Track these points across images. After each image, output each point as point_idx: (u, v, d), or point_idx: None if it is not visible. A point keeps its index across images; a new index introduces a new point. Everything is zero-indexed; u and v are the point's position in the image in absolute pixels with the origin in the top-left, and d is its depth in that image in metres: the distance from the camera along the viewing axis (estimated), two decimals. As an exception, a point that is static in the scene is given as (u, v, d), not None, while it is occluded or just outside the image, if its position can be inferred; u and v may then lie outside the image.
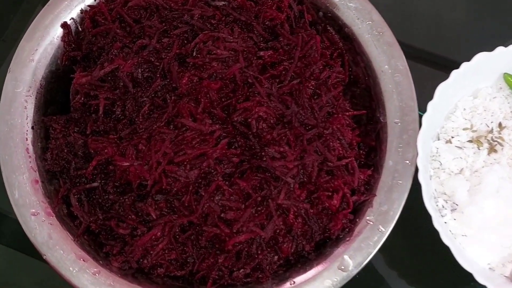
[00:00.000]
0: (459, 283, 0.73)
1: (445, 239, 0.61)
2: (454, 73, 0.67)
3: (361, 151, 0.70)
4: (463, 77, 0.68)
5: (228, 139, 0.62)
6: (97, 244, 0.63)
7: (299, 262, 0.63)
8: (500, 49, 0.69)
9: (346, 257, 0.60)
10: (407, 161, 0.65)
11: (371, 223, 0.62)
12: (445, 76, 0.67)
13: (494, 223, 0.65)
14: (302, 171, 0.63)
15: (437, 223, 0.61)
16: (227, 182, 0.61)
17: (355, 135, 0.70)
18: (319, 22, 0.75)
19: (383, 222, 0.62)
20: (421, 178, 0.63)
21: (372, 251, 0.61)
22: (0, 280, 0.73)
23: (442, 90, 0.67)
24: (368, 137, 0.71)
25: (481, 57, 0.68)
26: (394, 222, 0.62)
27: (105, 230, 0.63)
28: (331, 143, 0.65)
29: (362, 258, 0.60)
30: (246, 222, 0.59)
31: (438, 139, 0.71)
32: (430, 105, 0.66)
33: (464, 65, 0.68)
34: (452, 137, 0.70)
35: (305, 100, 0.66)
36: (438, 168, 0.69)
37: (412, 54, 0.77)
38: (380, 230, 0.62)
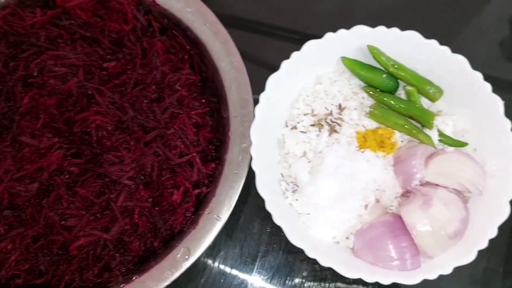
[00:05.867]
0: (296, 259, 0.77)
1: (277, 220, 0.64)
2: (285, 63, 0.71)
3: (210, 146, 0.73)
4: (298, 65, 0.72)
5: (63, 151, 0.66)
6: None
7: (151, 258, 0.67)
8: (328, 35, 0.72)
9: (184, 248, 0.64)
10: (243, 151, 0.68)
11: (208, 213, 0.66)
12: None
13: (331, 200, 0.68)
14: (142, 172, 0.66)
15: (270, 206, 0.65)
16: (70, 192, 0.65)
17: (206, 131, 0.74)
18: (167, 28, 0.79)
19: (220, 211, 0.66)
20: (254, 166, 0.66)
21: (210, 239, 0.64)
22: None
23: (274, 81, 0.70)
24: (219, 132, 0.75)
25: (310, 45, 0.72)
26: (231, 209, 0.66)
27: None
28: (172, 142, 0.69)
29: (200, 247, 0.64)
30: (83, 227, 0.63)
31: (287, 126, 0.75)
32: (263, 96, 0.69)
33: (295, 54, 0.71)
34: (298, 123, 0.74)
35: (143, 104, 0.69)
36: (288, 153, 0.73)
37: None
38: (217, 218, 0.65)
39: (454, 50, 0.70)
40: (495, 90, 0.69)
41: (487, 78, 0.69)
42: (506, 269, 0.80)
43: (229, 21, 0.77)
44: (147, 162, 0.66)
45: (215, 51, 0.74)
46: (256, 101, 0.70)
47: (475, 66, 0.70)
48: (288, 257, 0.78)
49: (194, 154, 0.69)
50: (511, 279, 0.80)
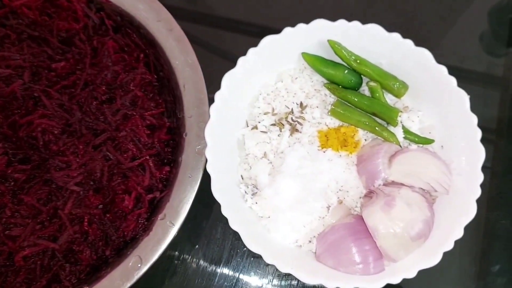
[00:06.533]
0: (261, 263, 0.75)
1: (233, 225, 0.61)
2: (241, 60, 0.68)
3: (167, 149, 0.70)
4: (257, 62, 0.69)
5: (8, 157, 0.62)
6: None
7: (104, 267, 0.64)
8: (287, 30, 0.69)
9: (135, 257, 0.61)
10: (198, 154, 0.65)
11: (162, 219, 0.63)
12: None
13: (292, 202, 0.65)
14: (91, 177, 0.63)
15: (226, 210, 0.61)
16: (15, 200, 0.62)
17: (163, 133, 0.70)
18: (121, 26, 0.76)
19: (173, 217, 0.63)
20: (209, 168, 0.63)
21: (162, 246, 0.61)
22: None
23: (230, 79, 0.67)
24: (176, 133, 0.71)
25: (268, 40, 0.69)
26: (184, 215, 0.63)
27: None
28: (124, 146, 0.66)
29: (152, 255, 0.61)
30: (28, 236, 0.60)
31: (247, 126, 0.71)
32: (218, 95, 0.66)
33: (251, 50, 0.68)
34: (259, 123, 0.71)
35: (91, 106, 0.66)
36: (248, 154, 0.70)
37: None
38: (170, 224, 0.62)
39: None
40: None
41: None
42: (480, 269, 0.78)
43: (189, 15, 0.73)
44: (96, 166, 0.63)
45: (169, 49, 0.71)
46: (213, 101, 0.66)
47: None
48: (253, 261, 0.75)
49: (147, 157, 0.66)
50: (485, 280, 0.77)
